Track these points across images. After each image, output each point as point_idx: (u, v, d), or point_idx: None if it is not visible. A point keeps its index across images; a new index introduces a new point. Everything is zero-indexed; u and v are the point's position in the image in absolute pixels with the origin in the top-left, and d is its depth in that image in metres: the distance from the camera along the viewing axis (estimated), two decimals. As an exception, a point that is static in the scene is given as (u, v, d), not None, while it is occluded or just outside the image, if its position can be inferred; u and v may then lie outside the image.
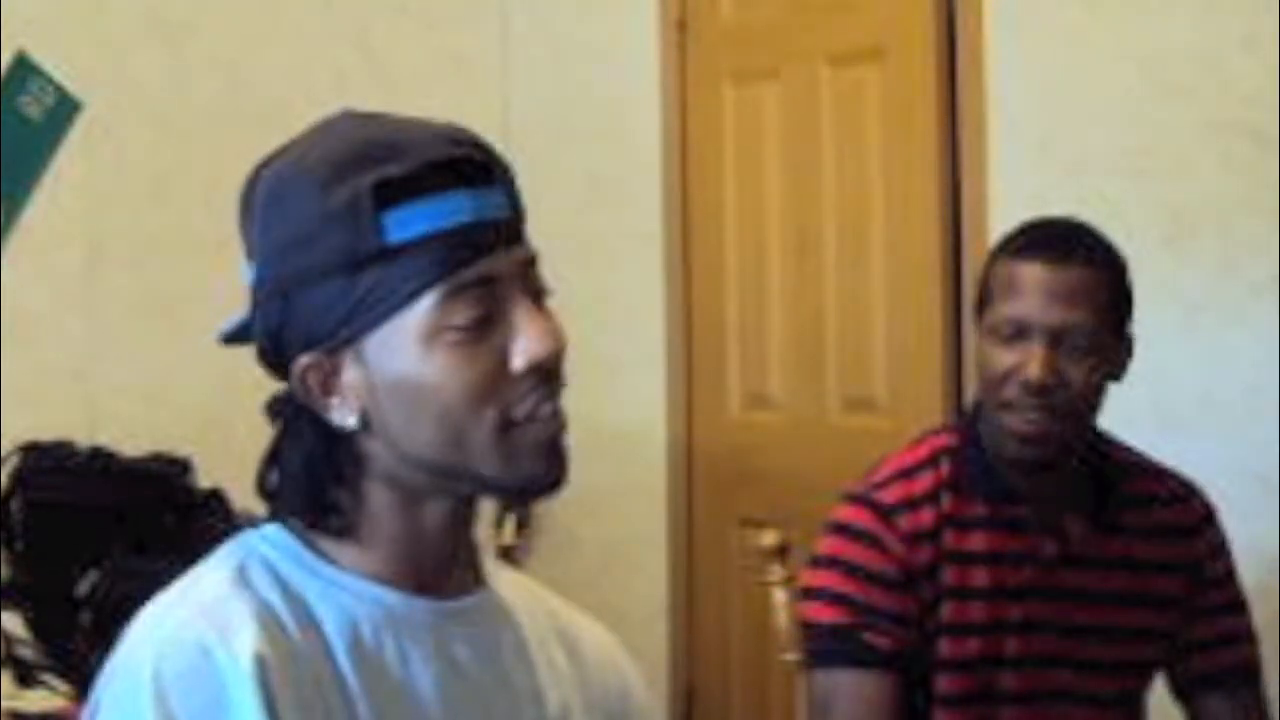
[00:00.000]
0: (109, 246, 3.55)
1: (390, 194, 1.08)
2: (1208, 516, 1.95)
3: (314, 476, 1.14)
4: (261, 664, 1.05)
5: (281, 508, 1.17)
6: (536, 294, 1.14)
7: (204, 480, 3.20)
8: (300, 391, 1.13)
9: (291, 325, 1.12)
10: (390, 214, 1.08)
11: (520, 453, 1.11)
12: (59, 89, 3.46)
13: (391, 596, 1.14)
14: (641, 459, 3.79)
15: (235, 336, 1.21)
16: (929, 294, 3.21)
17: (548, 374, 1.12)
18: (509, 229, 1.13)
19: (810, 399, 3.50)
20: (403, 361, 1.10)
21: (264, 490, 1.18)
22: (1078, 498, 1.86)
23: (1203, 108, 2.80)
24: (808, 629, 1.89)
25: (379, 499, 1.15)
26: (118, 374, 3.53)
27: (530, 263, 1.14)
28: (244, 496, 3.44)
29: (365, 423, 1.13)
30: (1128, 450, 1.94)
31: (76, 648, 2.76)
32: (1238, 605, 1.96)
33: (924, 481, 1.86)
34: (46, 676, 2.72)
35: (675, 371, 3.78)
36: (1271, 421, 2.68)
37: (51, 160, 3.47)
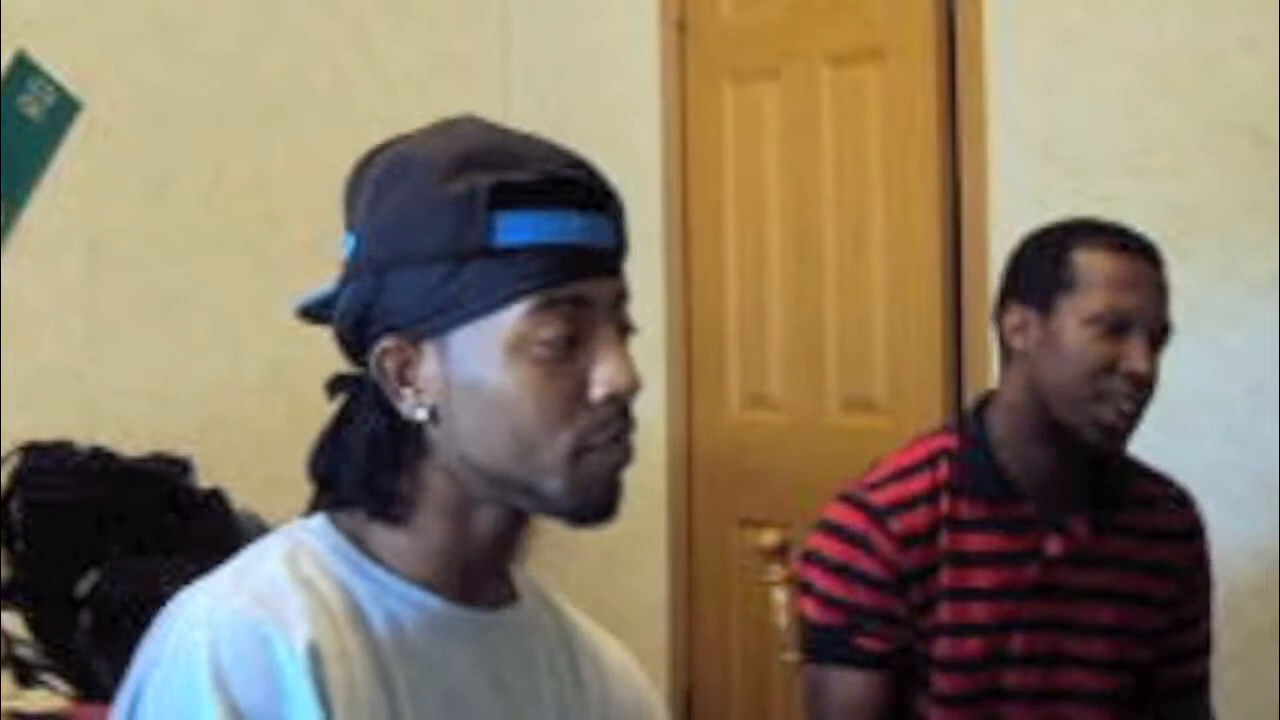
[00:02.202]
0: (109, 246, 3.55)
1: (507, 197, 1.09)
2: (1198, 525, 1.98)
3: (375, 460, 1.14)
4: (316, 656, 1.05)
5: (336, 491, 1.16)
6: (622, 329, 1.15)
7: (204, 480, 3.20)
8: (376, 374, 1.13)
9: (381, 304, 1.12)
10: (503, 216, 1.09)
11: (587, 479, 1.12)
12: (59, 89, 3.46)
13: (435, 601, 1.15)
14: (641, 459, 3.74)
15: (311, 310, 1.20)
16: (929, 294, 3.21)
17: (623, 408, 1.13)
18: (611, 259, 1.15)
19: (810, 399, 3.50)
20: (484, 365, 1.10)
21: (315, 473, 1.18)
22: (1083, 496, 1.86)
23: (1203, 108, 2.80)
24: (803, 623, 1.90)
25: (433, 494, 1.15)
26: (118, 374, 3.53)
27: (622, 297, 1.15)
28: (244, 496, 3.45)
29: (434, 418, 1.13)
30: (1126, 452, 1.94)
31: (76, 648, 2.76)
32: (1208, 616, 1.99)
33: (921, 482, 1.86)
34: (46, 676, 2.72)
35: (675, 371, 3.78)
36: (1271, 421, 2.68)
37: (51, 160, 3.47)
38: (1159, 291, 1.82)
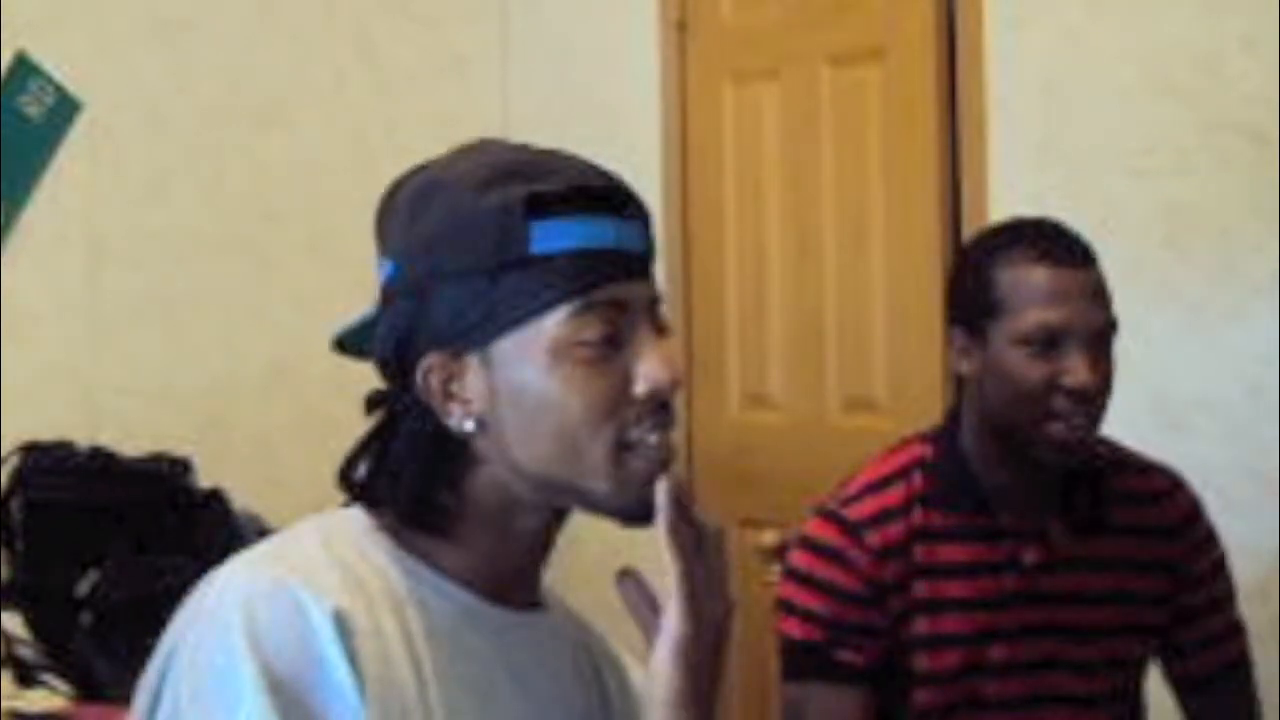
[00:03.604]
0: (109, 246, 3.55)
1: (541, 207, 1.12)
2: (1192, 513, 1.93)
3: (423, 475, 1.15)
4: (347, 626, 1.07)
5: (376, 502, 1.18)
6: (660, 330, 1.17)
7: (204, 480, 3.20)
8: (421, 391, 1.15)
9: (423, 323, 1.14)
10: (538, 225, 1.12)
11: (631, 477, 1.14)
12: (59, 89, 3.46)
13: (466, 596, 1.16)
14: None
15: (347, 341, 1.22)
16: (929, 294, 3.21)
17: (664, 404, 1.14)
18: (643, 263, 1.17)
19: (810, 399, 3.50)
20: (529, 371, 1.12)
21: (348, 482, 1.19)
22: (1060, 499, 1.85)
23: (1203, 108, 2.80)
24: (781, 642, 1.89)
25: (479, 504, 1.16)
26: (118, 374, 3.54)
27: (656, 300, 1.18)
28: (244, 496, 3.44)
29: (481, 428, 1.14)
30: (1110, 445, 1.92)
31: (76, 648, 2.77)
32: (1224, 600, 1.96)
33: (895, 495, 1.84)
34: (46, 676, 2.72)
35: (675, 371, 3.78)
36: (1271, 421, 2.68)
37: (51, 160, 3.47)
38: (1090, 294, 1.73)
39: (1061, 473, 1.82)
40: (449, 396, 1.14)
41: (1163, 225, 2.82)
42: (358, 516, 1.18)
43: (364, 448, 1.19)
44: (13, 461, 3.05)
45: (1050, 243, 1.77)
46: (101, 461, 3.13)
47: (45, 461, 3.07)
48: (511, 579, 1.20)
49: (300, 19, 3.86)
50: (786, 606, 1.87)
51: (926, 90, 3.20)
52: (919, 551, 1.82)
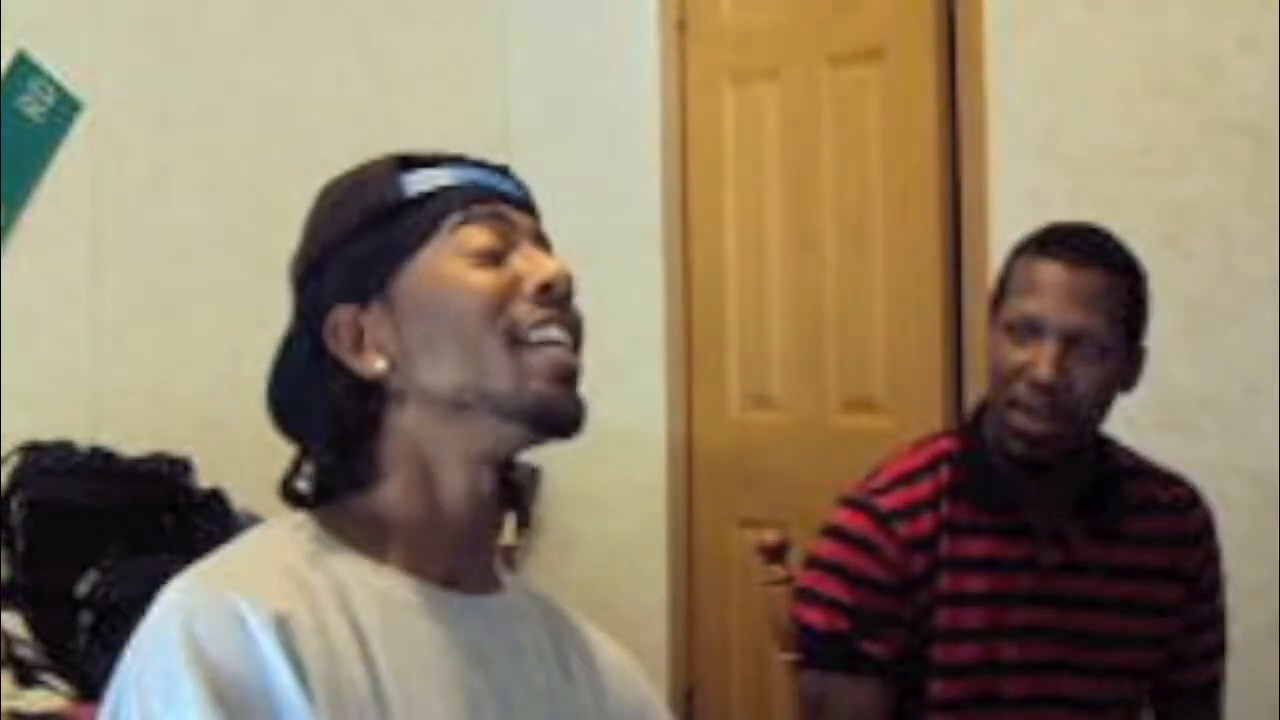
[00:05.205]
0: (109, 246, 3.55)
1: (411, 163, 1.21)
2: (1208, 525, 1.94)
3: (342, 422, 1.18)
4: (287, 628, 1.07)
5: (313, 478, 1.20)
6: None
7: (204, 480, 3.20)
8: (331, 344, 1.19)
9: (325, 292, 1.20)
10: (410, 175, 1.20)
11: (530, 373, 1.16)
12: (59, 89, 3.46)
13: (419, 584, 1.17)
14: (641, 459, 3.79)
15: (279, 398, 1.24)
16: (929, 294, 3.21)
17: (557, 301, 1.18)
18: (519, 199, 1.24)
19: (810, 399, 3.50)
20: (423, 291, 1.17)
21: (290, 497, 1.21)
22: (1080, 503, 1.85)
23: (1203, 107, 2.80)
24: (802, 631, 1.88)
25: (401, 450, 1.18)
26: (119, 374, 3.53)
27: (542, 237, 1.23)
28: (244, 496, 3.44)
29: (394, 368, 1.18)
30: (1131, 454, 1.93)
31: (76, 648, 2.77)
32: (1220, 618, 1.97)
33: (924, 487, 1.85)
34: (46, 676, 2.72)
35: (675, 371, 3.78)
36: (1271, 421, 2.68)
37: (51, 160, 3.47)
38: (1078, 295, 1.74)
39: (1081, 473, 1.83)
40: (359, 348, 1.18)
41: (1163, 225, 2.82)
42: (303, 522, 1.18)
43: (299, 465, 1.21)
44: (13, 461, 3.05)
45: (1067, 241, 1.79)
46: (101, 461, 3.13)
47: (45, 461, 3.07)
48: (456, 560, 1.20)
49: (300, 19, 3.86)
50: (809, 595, 1.87)
51: (926, 90, 3.20)
52: (945, 544, 1.83)
